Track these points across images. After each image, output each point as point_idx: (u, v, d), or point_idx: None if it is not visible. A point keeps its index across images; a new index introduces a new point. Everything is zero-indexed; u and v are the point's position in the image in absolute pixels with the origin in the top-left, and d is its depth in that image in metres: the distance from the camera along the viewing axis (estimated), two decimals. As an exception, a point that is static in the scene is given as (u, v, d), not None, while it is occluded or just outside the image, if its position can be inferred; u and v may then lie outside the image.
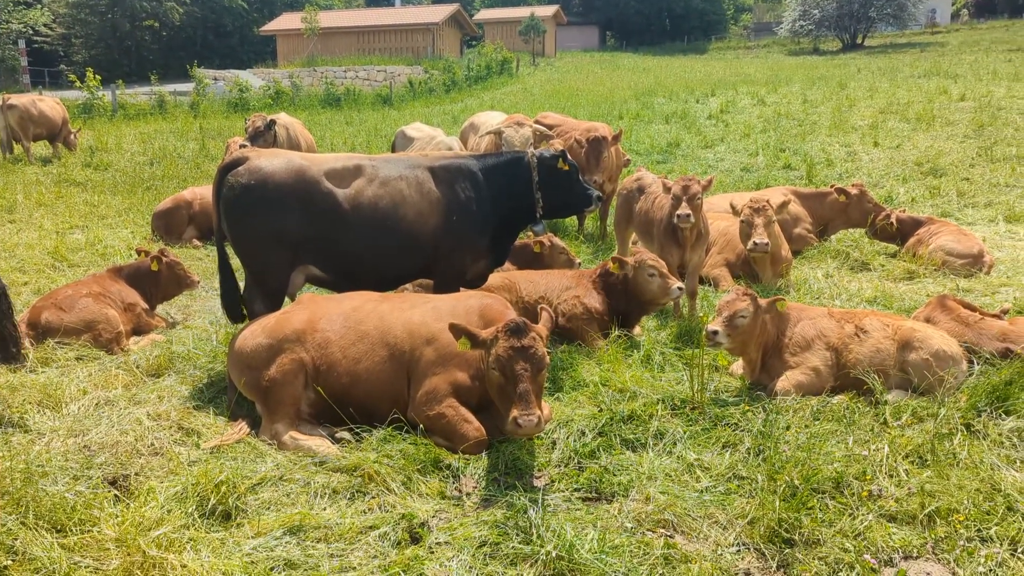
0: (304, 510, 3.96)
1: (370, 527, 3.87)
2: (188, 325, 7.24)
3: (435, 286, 6.24)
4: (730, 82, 31.78)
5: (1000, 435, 4.61)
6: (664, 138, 18.51)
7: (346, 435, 4.79)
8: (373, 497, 4.13)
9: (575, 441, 4.74)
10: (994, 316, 5.98)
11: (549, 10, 60.03)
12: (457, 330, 4.59)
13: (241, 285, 6.10)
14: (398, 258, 5.94)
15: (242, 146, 9.60)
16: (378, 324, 5.06)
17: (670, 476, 4.39)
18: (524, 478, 4.41)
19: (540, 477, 4.46)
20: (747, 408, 5.17)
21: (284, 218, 5.57)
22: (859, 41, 54.82)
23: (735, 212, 8.04)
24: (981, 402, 4.91)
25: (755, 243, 7.56)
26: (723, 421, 5.03)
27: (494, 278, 6.47)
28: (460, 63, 40.95)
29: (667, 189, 7.17)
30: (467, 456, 4.59)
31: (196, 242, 10.73)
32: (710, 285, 8.28)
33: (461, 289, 5.98)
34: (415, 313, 5.13)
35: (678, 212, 6.86)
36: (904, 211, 9.68)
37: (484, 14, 62.50)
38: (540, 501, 4.04)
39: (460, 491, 4.28)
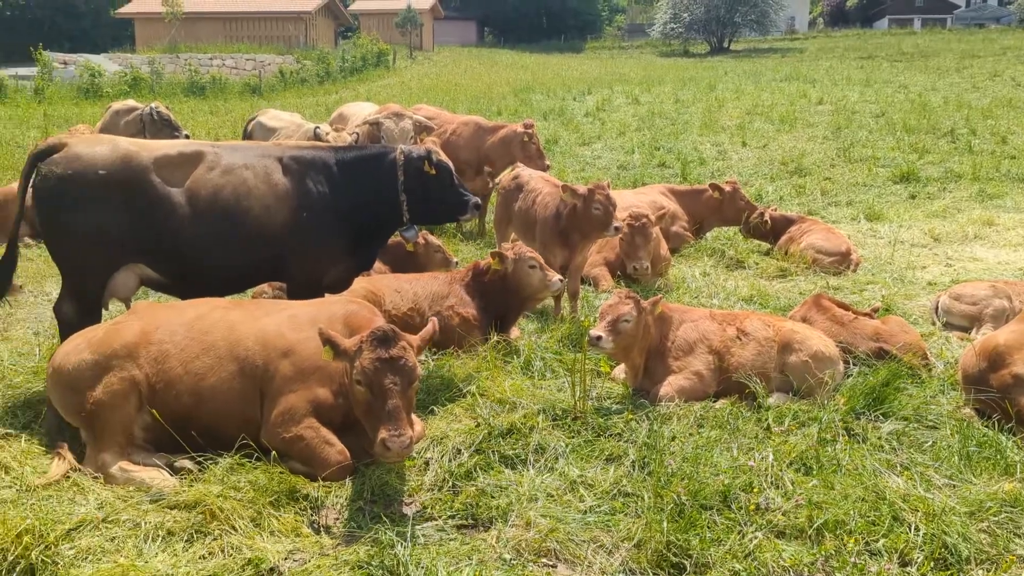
0: (128, 560, 3.36)
1: (210, 576, 3.33)
2: (6, 336, 6.34)
3: (288, 291, 5.62)
4: (606, 80, 32.18)
5: (880, 439, 4.54)
6: (542, 135, 18.32)
7: (187, 464, 4.19)
8: (215, 538, 3.58)
9: (450, 461, 4.34)
10: (866, 315, 6.01)
11: (426, 3, 59.06)
12: (323, 336, 4.10)
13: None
14: (242, 257, 5.26)
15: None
16: (227, 335, 4.47)
17: (552, 496, 4.07)
18: (393, 506, 3.97)
19: (410, 504, 4.03)
20: (631, 416, 4.92)
21: (106, 213, 4.85)
22: (725, 45, 56.98)
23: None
24: (859, 405, 4.86)
25: (635, 268, 7.66)
26: (607, 432, 4.76)
27: (357, 285, 5.88)
28: (334, 54, 39.47)
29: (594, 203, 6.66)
30: (329, 484, 4.10)
31: (29, 240, 9.59)
32: (589, 285, 8.06)
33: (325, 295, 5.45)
34: (270, 322, 4.57)
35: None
36: (776, 209, 9.81)
37: (359, 5, 60.80)
38: (409, 534, 3.62)
39: (319, 525, 3.80)
